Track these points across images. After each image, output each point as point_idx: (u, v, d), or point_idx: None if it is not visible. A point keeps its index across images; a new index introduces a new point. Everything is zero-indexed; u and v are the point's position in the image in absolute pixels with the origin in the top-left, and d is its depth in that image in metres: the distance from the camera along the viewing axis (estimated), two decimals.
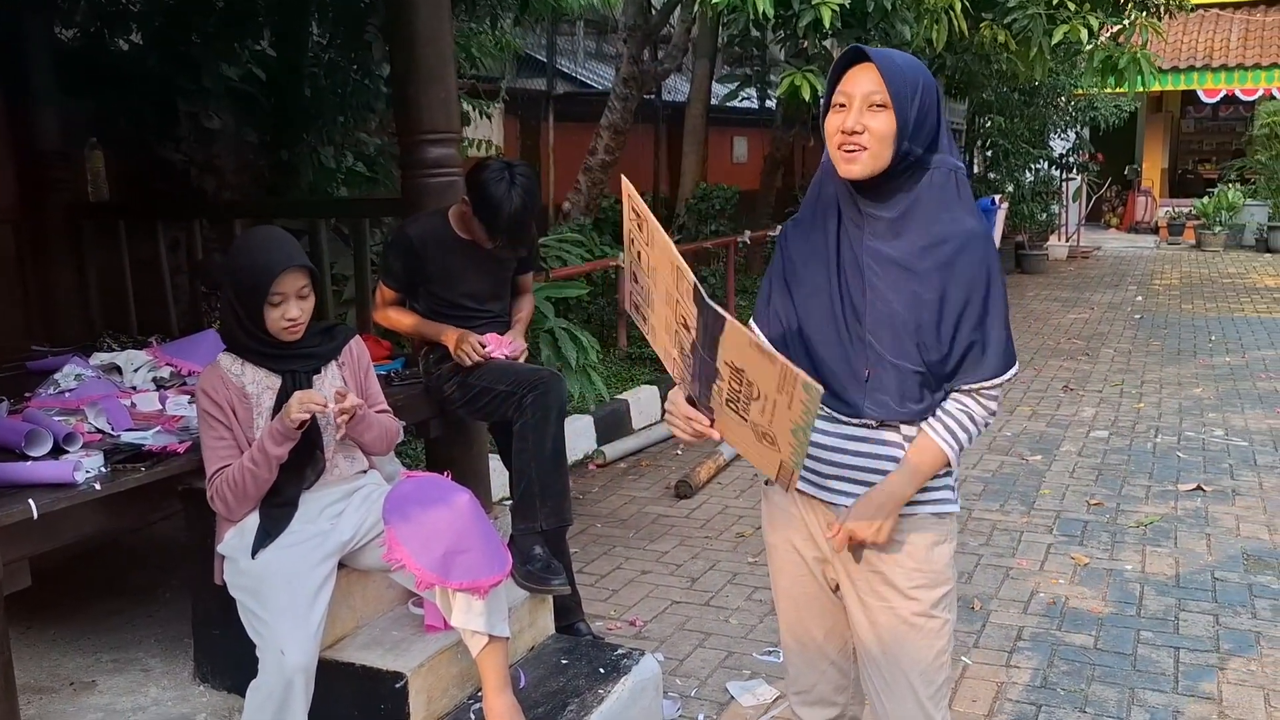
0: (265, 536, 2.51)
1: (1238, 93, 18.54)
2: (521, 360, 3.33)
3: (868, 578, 2.02)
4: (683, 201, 11.00)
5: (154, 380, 3.33)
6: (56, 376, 3.17)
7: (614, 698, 2.81)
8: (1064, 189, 17.11)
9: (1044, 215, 15.72)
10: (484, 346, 3.22)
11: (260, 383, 2.57)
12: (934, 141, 1.88)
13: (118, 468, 2.53)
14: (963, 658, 3.57)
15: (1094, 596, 4.07)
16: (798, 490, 2.06)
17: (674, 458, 6.11)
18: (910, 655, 2.01)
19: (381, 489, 2.69)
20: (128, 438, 2.74)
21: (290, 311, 2.51)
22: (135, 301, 5.11)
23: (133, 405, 3.02)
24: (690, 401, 1.86)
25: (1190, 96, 19.93)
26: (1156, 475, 5.59)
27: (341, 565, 2.63)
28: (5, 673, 2.38)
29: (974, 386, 1.93)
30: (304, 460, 2.57)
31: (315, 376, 2.63)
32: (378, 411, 2.74)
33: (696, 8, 8.43)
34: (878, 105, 1.83)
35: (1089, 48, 8.94)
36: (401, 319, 3.43)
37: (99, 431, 2.79)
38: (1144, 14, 9.79)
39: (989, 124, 15.02)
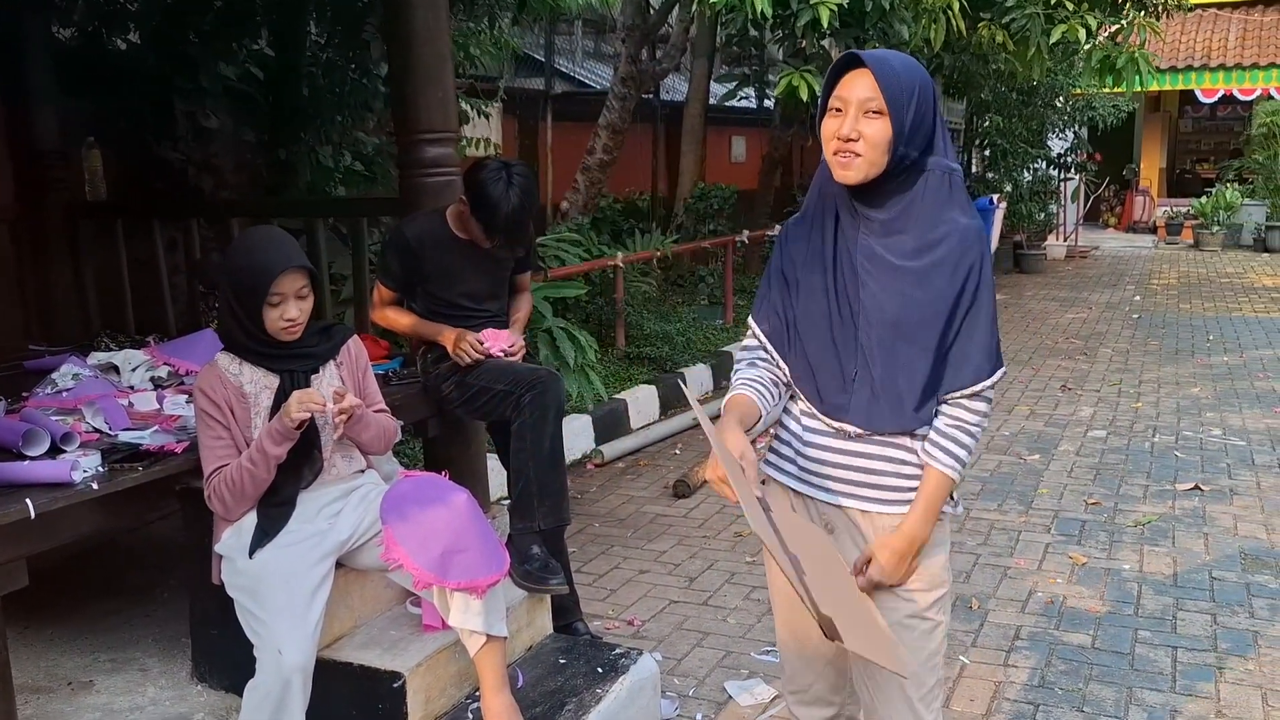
0: (263, 536, 2.51)
1: (1235, 92, 18.55)
2: (519, 358, 3.33)
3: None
4: (681, 201, 11.00)
5: (151, 380, 3.33)
6: (54, 376, 3.16)
7: (612, 697, 2.81)
8: (1062, 189, 17.13)
9: (1042, 215, 15.73)
10: (482, 343, 3.22)
11: (258, 382, 2.57)
12: (929, 143, 1.88)
13: (115, 467, 2.53)
14: (961, 657, 3.57)
15: (1092, 596, 4.07)
16: (795, 490, 2.07)
17: (672, 457, 6.11)
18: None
19: (379, 488, 2.69)
20: (125, 437, 2.74)
21: (289, 312, 2.51)
22: (133, 301, 5.10)
23: (130, 405, 3.02)
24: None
25: (1188, 96, 19.94)
26: (1154, 475, 5.60)
27: (339, 565, 2.62)
28: (3, 672, 2.38)
29: (963, 392, 1.91)
30: (302, 460, 2.57)
31: (313, 376, 2.63)
32: (375, 411, 2.74)
33: (695, 7, 8.44)
34: (874, 112, 1.83)
35: (1087, 47, 8.95)
36: (399, 319, 3.43)
37: (96, 431, 2.78)
38: (1142, 13, 9.81)
39: (987, 124, 15.03)
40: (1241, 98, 18.86)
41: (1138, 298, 12.30)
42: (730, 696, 3.36)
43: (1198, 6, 18.55)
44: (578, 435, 5.94)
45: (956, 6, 7.31)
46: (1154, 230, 19.67)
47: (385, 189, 6.51)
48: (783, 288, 2.02)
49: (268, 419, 2.52)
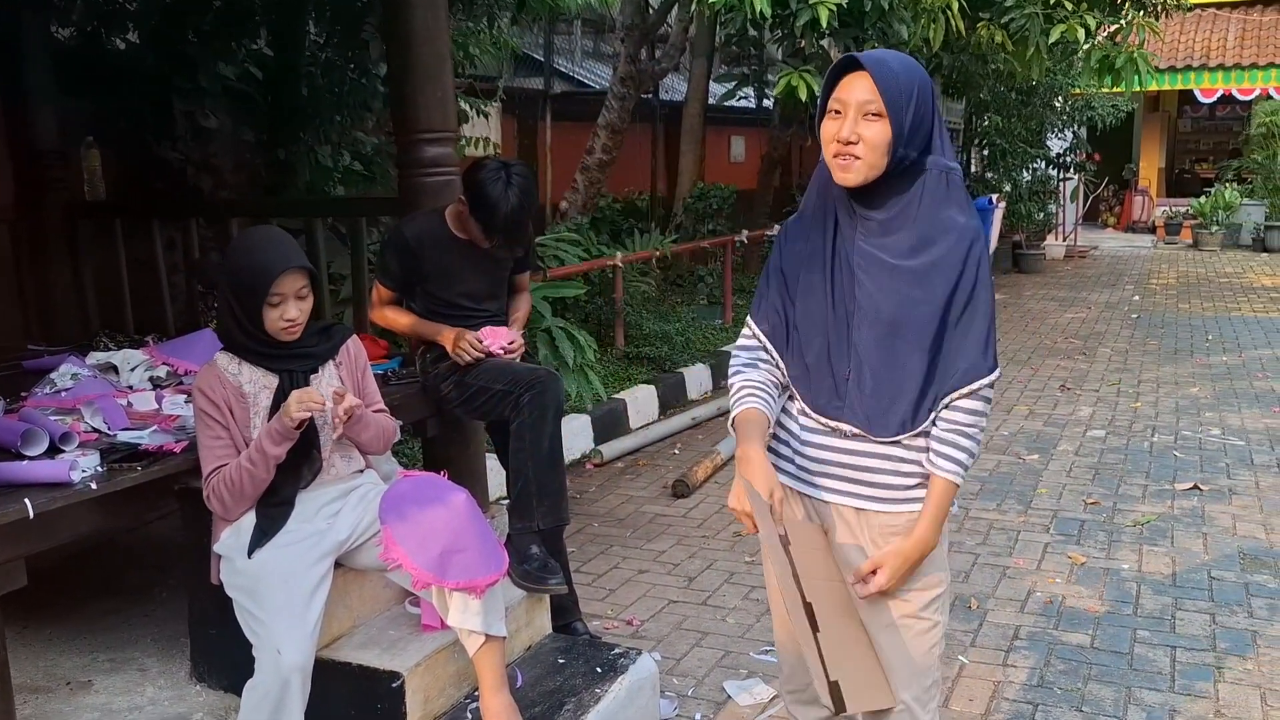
0: (262, 536, 2.50)
1: (1235, 92, 18.55)
2: (518, 357, 3.33)
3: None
4: (680, 201, 11.00)
5: (150, 379, 3.32)
6: (53, 376, 3.16)
7: (611, 697, 2.81)
8: (1061, 188, 17.14)
9: (1041, 215, 15.73)
10: (481, 342, 3.22)
11: (257, 382, 2.57)
12: (928, 143, 1.89)
13: (114, 467, 2.53)
14: (960, 656, 3.57)
15: (1091, 596, 4.07)
16: (791, 490, 2.07)
17: (671, 457, 6.11)
18: (900, 656, 2.02)
19: (378, 488, 2.69)
20: (124, 437, 2.74)
21: (289, 312, 2.51)
22: (132, 301, 5.10)
23: (129, 404, 3.02)
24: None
25: (1187, 96, 19.94)
26: (1153, 474, 5.60)
27: (338, 565, 2.62)
28: (2, 672, 2.38)
29: (960, 391, 1.91)
30: (301, 460, 2.57)
31: (312, 376, 2.63)
32: (375, 411, 2.74)
33: (694, 7, 8.44)
34: (873, 114, 1.83)
35: (1086, 47, 8.94)
36: (398, 318, 3.43)
37: (95, 431, 2.78)
38: (1141, 13, 9.81)
39: (986, 123, 15.03)
40: (1240, 97, 18.86)
41: (1137, 297, 12.31)
42: (729, 696, 3.36)
43: (1197, 6, 18.55)
44: (577, 435, 5.94)
45: (955, 6, 7.31)
46: (1153, 230, 19.68)
47: (384, 189, 6.51)
48: (781, 287, 2.03)
49: (267, 419, 2.52)
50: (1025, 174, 15.46)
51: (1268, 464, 5.72)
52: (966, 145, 15.39)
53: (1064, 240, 17.38)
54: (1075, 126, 16.22)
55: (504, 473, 3.28)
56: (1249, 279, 13.83)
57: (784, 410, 2.09)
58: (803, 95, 6.84)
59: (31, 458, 2.49)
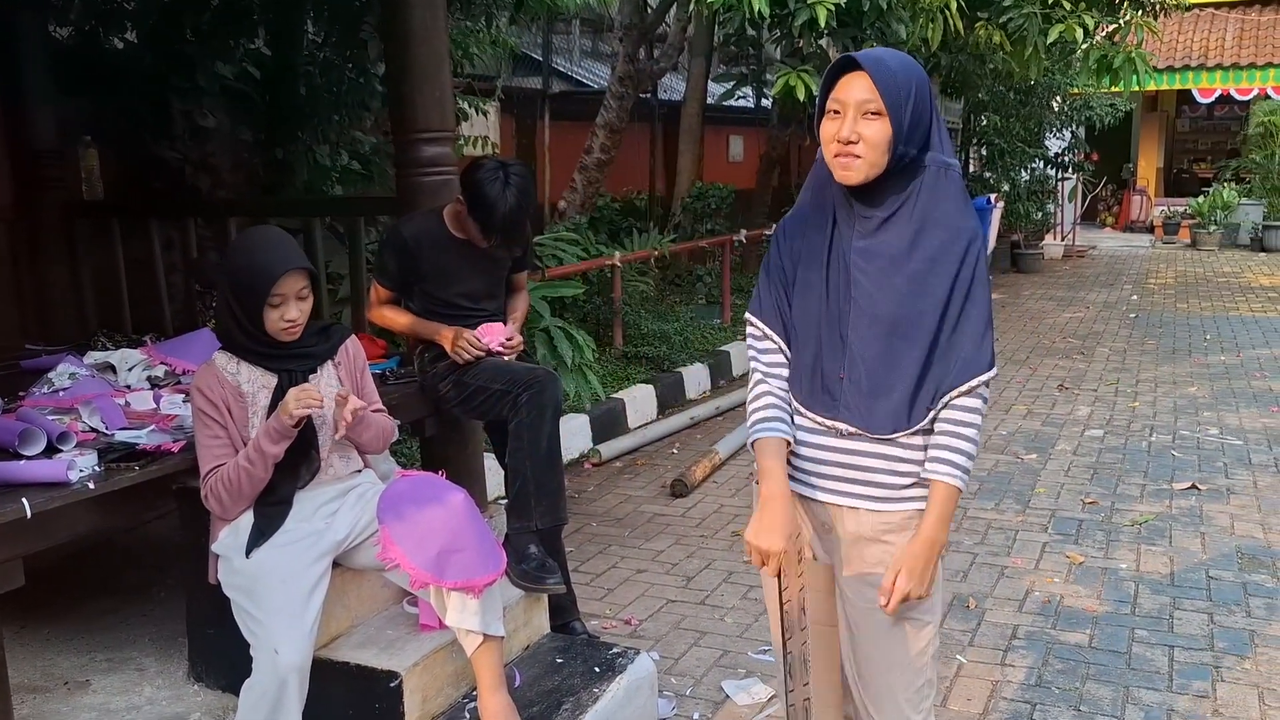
0: (259, 535, 2.50)
1: (1233, 92, 18.55)
2: (516, 356, 3.33)
3: (854, 579, 2.02)
4: (678, 200, 11.00)
5: (148, 379, 3.32)
6: (51, 375, 3.16)
7: (609, 696, 2.81)
8: (1060, 188, 17.13)
9: (1039, 214, 15.73)
10: (480, 339, 3.22)
11: (256, 381, 2.57)
12: (926, 140, 1.89)
13: (112, 467, 2.53)
14: (958, 656, 3.57)
15: (1089, 595, 4.08)
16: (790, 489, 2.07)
17: (669, 456, 6.11)
18: (891, 656, 2.02)
19: (376, 488, 2.69)
20: (122, 437, 2.73)
21: (290, 313, 2.51)
22: (130, 300, 5.10)
23: (127, 404, 3.02)
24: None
25: (1185, 96, 19.94)
26: (1151, 474, 5.60)
27: (336, 564, 2.62)
28: None
29: (956, 390, 1.90)
30: (299, 459, 2.57)
31: (311, 376, 2.63)
32: (373, 411, 2.74)
33: (692, 7, 8.44)
34: (872, 113, 1.83)
35: (1084, 47, 8.94)
36: (396, 318, 3.43)
37: (93, 430, 2.78)
38: (1139, 13, 9.81)
39: (984, 123, 15.04)
40: (1239, 97, 18.87)
41: (1135, 297, 12.31)
42: (727, 696, 3.35)
43: (1195, 6, 18.56)
44: (575, 434, 5.94)
45: (954, 6, 7.31)
46: (1151, 230, 19.69)
47: (382, 188, 6.51)
48: (780, 284, 2.02)
49: (265, 419, 2.52)
50: (1023, 174, 15.47)
51: (1265, 463, 5.73)
52: (965, 145, 15.40)
53: (1062, 240, 17.39)
54: (1073, 126, 16.22)
55: (502, 472, 3.28)
56: (1247, 278, 13.84)
57: None
58: (801, 95, 6.84)
59: (29, 457, 2.49)
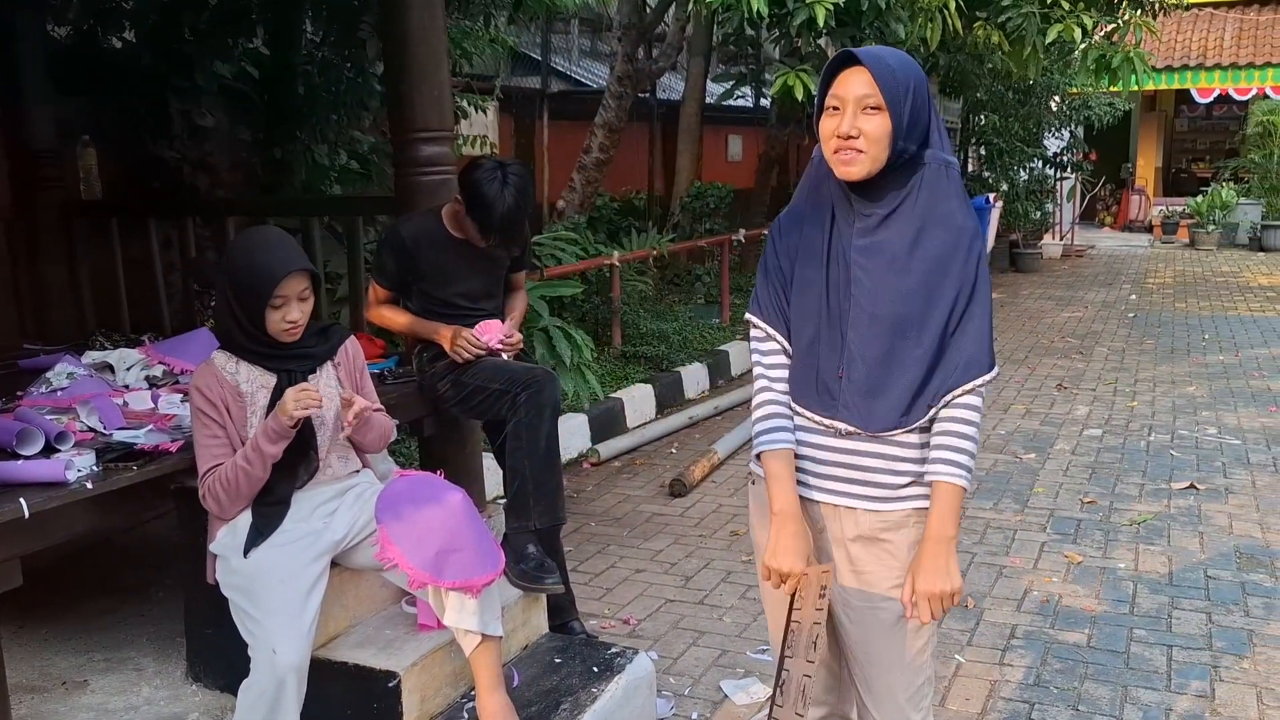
0: (257, 535, 2.50)
1: (1231, 92, 18.57)
2: (515, 355, 3.32)
3: (854, 579, 2.02)
4: (677, 200, 11.00)
5: (146, 379, 3.32)
6: (48, 375, 3.16)
7: (607, 696, 2.81)
8: (1058, 188, 17.14)
9: (1038, 214, 15.74)
10: (479, 337, 3.21)
11: (255, 381, 2.57)
12: (926, 137, 1.89)
13: (110, 466, 2.53)
14: (956, 655, 3.57)
15: (1087, 595, 4.08)
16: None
17: (668, 456, 6.11)
18: (890, 656, 2.02)
19: (374, 488, 2.69)
20: (120, 436, 2.73)
21: (291, 314, 2.50)
22: (128, 300, 5.09)
23: (125, 404, 3.02)
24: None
25: (1184, 96, 19.96)
26: (1150, 473, 5.61)
27: (334, 564, 2.62)
28: None
29: (956, 390, 1.90)
30: (297, 459, 2.57)
31: (311, 376, 2.62)
32: (373, 410, 2.74)
33: (691, 6, 8.43)
34: (872, 108, 1.83)
35: (1083, 47, 8.95)
36: (395, 318, 3.43)
37: (91, 430, 2.78)
38: (1138, 13, 9.81)
39: (983, 123, 15.04)
40: (1237, 97, 18.88)
41: (1133, 297, 12.32)
42: (726, 695, 3.35)
43: (1194, 6, 18.59)
44: (574, 434, 5.94)
45: (953, 6, 7.31)
46: (1150, 229, 19.70)
47: (381, 188, 6.51)
48: (779, 283, 2.02)
49: (264, 418, 2.51)
50: (1022, 173, 15.48)
51: (1264, 463, 5.73)
52: (964, 144, 15.40)
53: (1061, 239, 17.39)
54: (1072, 126, 16.24)
55: (501, 472, 3.28)
56: (1245, 278, 13.85)
57: None
58: (799, 95, 6.84)
59: (27, 457, 2.49)
